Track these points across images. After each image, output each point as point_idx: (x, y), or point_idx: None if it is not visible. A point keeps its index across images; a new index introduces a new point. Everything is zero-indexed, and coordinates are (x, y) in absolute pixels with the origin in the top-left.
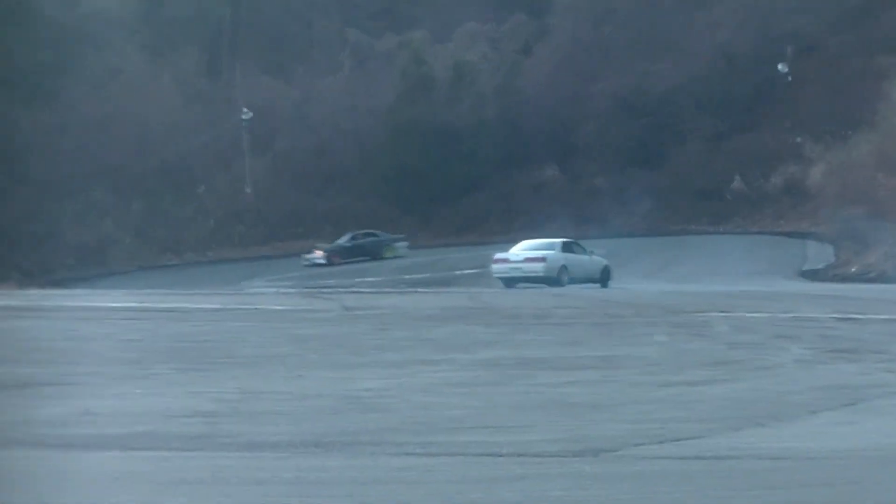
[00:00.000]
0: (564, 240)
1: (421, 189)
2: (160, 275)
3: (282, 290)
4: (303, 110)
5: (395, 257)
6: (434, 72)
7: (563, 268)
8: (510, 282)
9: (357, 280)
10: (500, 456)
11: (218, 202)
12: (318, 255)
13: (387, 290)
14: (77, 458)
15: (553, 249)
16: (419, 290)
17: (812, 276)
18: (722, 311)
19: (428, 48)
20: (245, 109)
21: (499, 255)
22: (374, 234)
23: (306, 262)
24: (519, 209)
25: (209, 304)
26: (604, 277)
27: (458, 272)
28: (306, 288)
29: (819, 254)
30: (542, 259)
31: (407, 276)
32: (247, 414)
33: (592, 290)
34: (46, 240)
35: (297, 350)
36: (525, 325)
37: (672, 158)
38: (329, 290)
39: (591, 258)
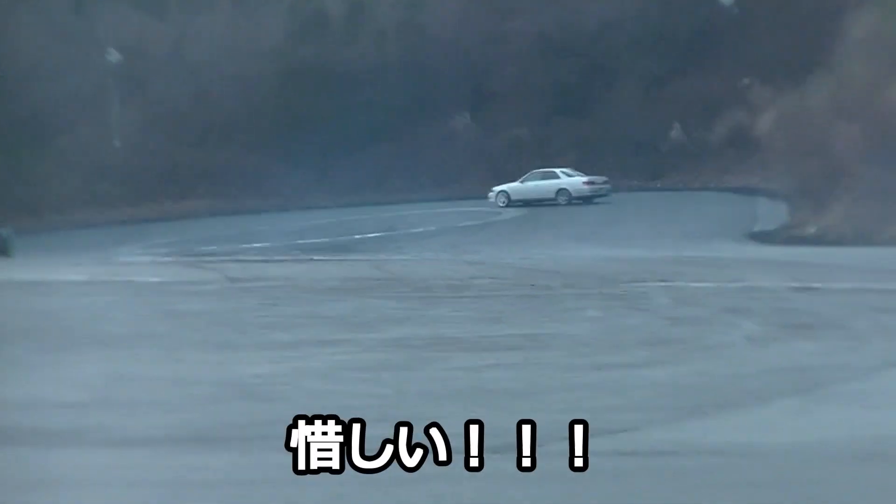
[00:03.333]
0: None
1: (315, 141)
2: (17, 240)
3: (158, 258)
4: (179, 51)
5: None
6: (326, 7)
7: None
8: None
9: (242, 246)
10: None
11: (84, 157)
12: None
13: (277, 257)
14: None
15: None
16: (315, 257)
17: (764, 238)
18: (662, 281)
19: None
20: (112, 50)
21: None
22: None
23: None
24: (427, 164)
25: (74, 276)
26: None
27: (359, 236)
28: (186, 256)
29: (771, 213)
30: None
31: (300, 242)
32: (117, 403)
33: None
34: None
35: (174, 329)
36: (439, 299)
37: (602, 106)
38: (211, 258)
39: None
